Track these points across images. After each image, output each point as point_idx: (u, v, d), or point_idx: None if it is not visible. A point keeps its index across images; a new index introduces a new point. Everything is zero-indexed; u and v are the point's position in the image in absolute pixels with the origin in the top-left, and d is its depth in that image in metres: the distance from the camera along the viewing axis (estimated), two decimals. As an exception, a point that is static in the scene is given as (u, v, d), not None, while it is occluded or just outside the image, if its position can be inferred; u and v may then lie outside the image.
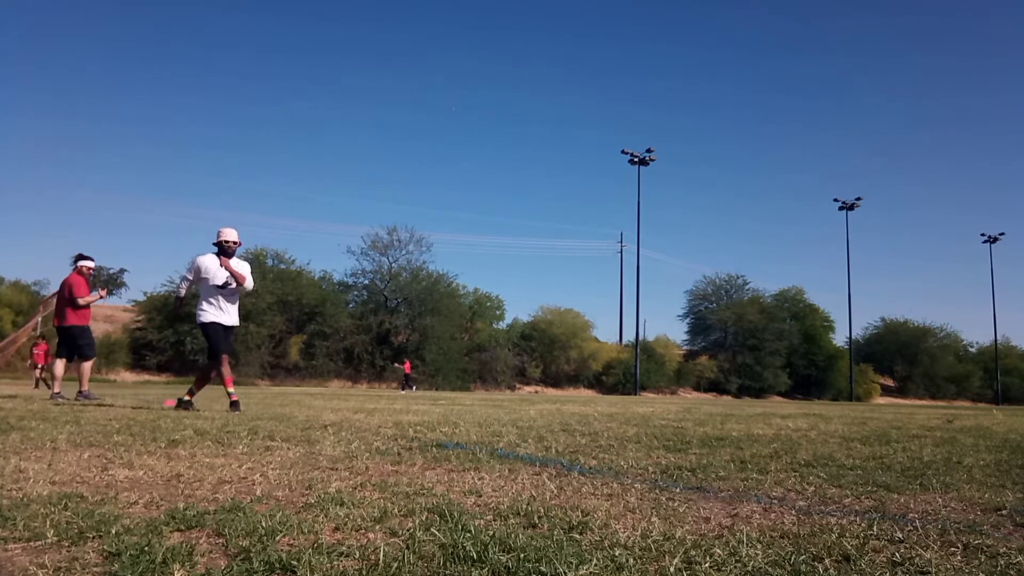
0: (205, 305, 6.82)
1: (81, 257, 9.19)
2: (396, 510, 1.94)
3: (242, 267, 7.01)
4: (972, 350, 61.31)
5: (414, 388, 23.14)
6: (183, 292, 7.19)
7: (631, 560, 1.48)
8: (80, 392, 8.53)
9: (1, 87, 69.13)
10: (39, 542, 1.55)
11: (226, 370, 6.86)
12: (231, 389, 6.87)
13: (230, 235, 6.95)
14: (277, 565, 1.40)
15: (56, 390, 8.72)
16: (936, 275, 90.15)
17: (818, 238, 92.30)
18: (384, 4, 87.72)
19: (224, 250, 6.87)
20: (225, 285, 6.83)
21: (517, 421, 6.16)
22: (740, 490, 2.47)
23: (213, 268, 6.81)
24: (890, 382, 57.41)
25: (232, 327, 7.01)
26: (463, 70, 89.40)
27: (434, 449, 3.47)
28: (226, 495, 2.12)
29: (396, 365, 32.46)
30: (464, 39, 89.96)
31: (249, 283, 7.09)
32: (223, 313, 6.87)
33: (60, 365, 8.97)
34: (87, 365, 8.86)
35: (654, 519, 1.92)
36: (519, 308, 73.96)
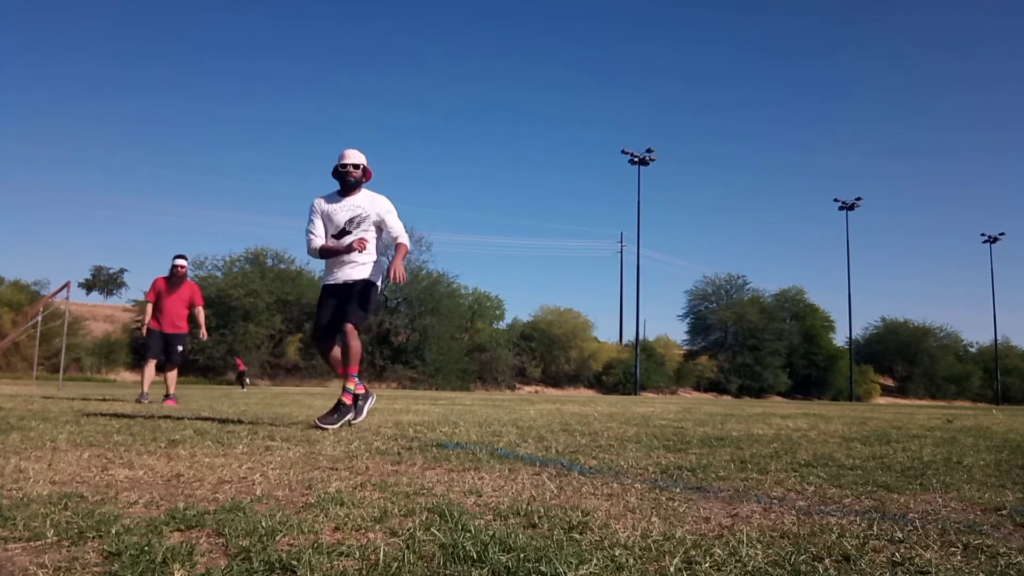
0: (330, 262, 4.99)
1: (176, 257, 8.89)
2: (396, 510, 1.94)
3: (378, 203, 4.98)
4: (972, 350, 61.32)
5: (245, 387, 22.22)
6: (318, 241, 4.93)
7: (631, 560, 1.48)
8: (166, 395, 8.47)
9: (1, 88, 69.15)
10: (39, 542, 1.55)
11: (354, 344, 4.80)
12: (350, 386, 4.81)
13: (350, 156, 4.91)
14: (277, 565, 1.40)
15: (144, 390, 8.59)
16: (936, 275, 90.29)
17: (818, 238, 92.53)
18: (384, 4, 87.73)
19: (343, 180, 4.92)
20: (344, 231, 4.90)
21: (517, 421, 6.16)
22: (740, 490, 2.47)
23: (332, 208, 4.93)
24: (890, 382, 57.39)
25: (350, 285, 4.89)
26: (463, 70, 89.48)
27: (434, 449, 3.47)
28: (226, 495, 2.12)
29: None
30: (464, 39, 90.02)
31: (396, 229, 5.02)
32: (341, 267, 4.92)
33: (149, 368, 8.79)
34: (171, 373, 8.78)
35: (654, 519, 1.92)
36: (519, 308, 74.02)
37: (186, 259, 8.95)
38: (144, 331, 8.76)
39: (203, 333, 9.09)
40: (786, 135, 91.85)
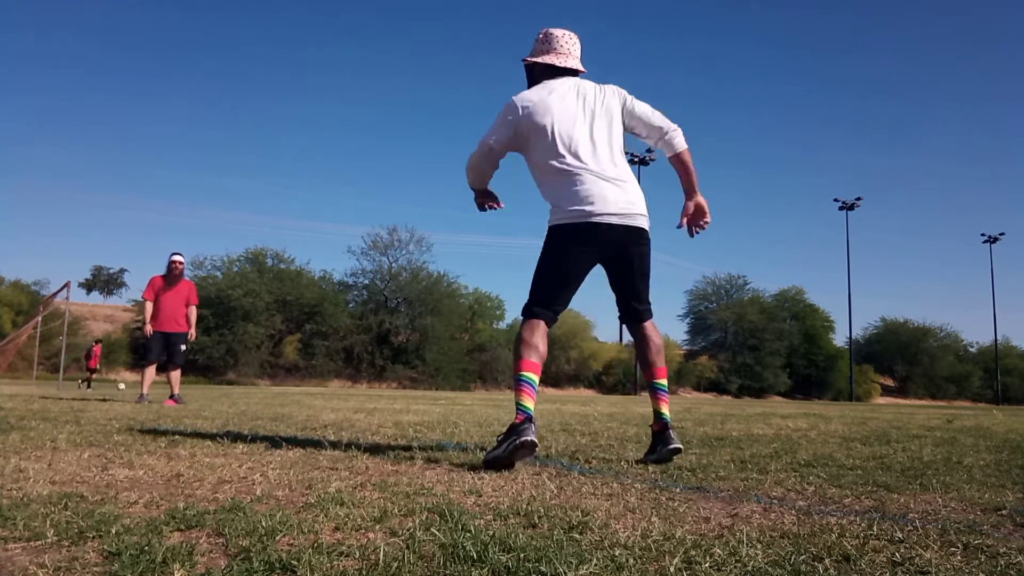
0: (562, 191, 3.09)
1: (173, 254, 8.78)
2: (396, 510, 1.94)
3: (614, 99, 3.28)
4: (972, 350, 61.37)
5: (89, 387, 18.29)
6: (499, 156, 3.30)
7: (631, 560, 1.48)
8: (170, 396, 8.40)
9: (2, 89, 69.25)
10: (39, 542, 1.55)
11: (654, 344, 3.26)
12: (664, 408, 3.21)
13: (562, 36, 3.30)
14: (277, 565, 1.40)
15: (143, 392, 8.47)
16: (936, 275, 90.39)
17: (818, 238, 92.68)
18: (384, 3, 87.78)
19: (548, 62, 3.24)
20: (594, 135, 3.13)
21: (517, 421, 6.14)
22: (740, 490, 2.47)
23: (561, 108, 3.11)
24: (890, 382, 57.44)
25: (638, 231, 3.29)
26: (463, 69, 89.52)
27: (434, 449, 3.47)
28: (226, 495, 2.12)
29: None
30: (464, 38, 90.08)
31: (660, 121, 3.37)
32: (605, 194, 3.13)
33: (150, 370, 8.65)
34: (174, 373, 8.66)
35: (654, 519, 1.92)
36: (519, 308, 74.00)
37: (183, 256, 8.87)
38: (148, 331, 8.62)
39: (192, 334, 8.89)
40: (787, 134, 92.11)
